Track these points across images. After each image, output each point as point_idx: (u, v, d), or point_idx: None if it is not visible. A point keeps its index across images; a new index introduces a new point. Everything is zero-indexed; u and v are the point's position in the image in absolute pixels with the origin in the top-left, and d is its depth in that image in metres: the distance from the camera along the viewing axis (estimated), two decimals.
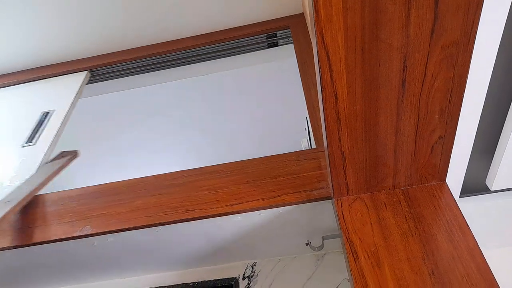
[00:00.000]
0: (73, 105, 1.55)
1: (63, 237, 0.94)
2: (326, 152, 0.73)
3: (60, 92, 1.64)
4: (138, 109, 2.02)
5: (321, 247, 0.94)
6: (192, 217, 0.91)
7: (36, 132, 1.42)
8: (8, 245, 0.97)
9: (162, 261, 1.04)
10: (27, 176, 1.19)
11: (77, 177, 2.12)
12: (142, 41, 1.72)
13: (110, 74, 1.77)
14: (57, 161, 1.29)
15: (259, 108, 2.07)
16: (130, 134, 2.12)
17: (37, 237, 0.96)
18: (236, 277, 1.01)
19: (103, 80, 1.78)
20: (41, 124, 1.45)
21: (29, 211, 1.03)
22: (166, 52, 1.70)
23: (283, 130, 2.06)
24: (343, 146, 0.69)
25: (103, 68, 1.74)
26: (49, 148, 1.34)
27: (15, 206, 0.98)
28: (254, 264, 1.03)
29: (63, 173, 2.17)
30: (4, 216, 0.94)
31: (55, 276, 1.06)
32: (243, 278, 1.01)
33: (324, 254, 1.01)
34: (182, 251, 1.00)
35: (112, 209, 0.97)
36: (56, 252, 0.98)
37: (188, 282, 1.03)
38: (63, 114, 1.48)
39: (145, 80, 1.81)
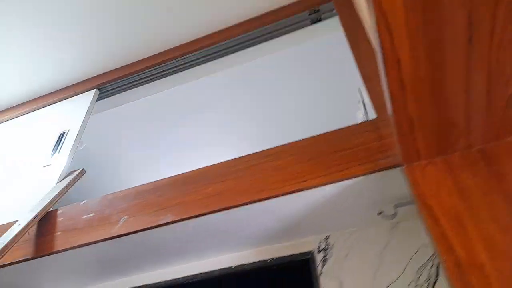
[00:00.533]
0: (84, 123, 1.70)
1: (149, 226, 1.03)
2: (392, 120, 0.72)
3: (73, 113, 1.79)
4: (181, 107, 2.09)
5: (394, 215, 0.94)
6: (262, 197, 0.95)
7: (54, 153, 1.58)
8: (103, 238, 1.09)
9: (238, 241, 1.10)
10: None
11: (141, 174, 2.28)
12: (166, 45, 1.76)
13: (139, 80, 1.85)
14: (66, 179, 1.40)
15: (307, 88, 2.05)
16: (179, 133, 2.22)
17: (127, 229, 1.05)
18: (311, 251, 1.05)
19: (130, 88, 1.87)
20: (58, 145, 1.60)
21: (118, 205, 1.13)
22: (197, 49, 1.72)
23: (335, 107, 2.03)
24: (410, 112, 0.68)
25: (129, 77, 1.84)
26: (64, 167, 1.49)
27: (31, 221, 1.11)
28: (328, 237, 1.05)
29: (131, 169, 2.33)
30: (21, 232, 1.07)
31: (147, 262, 1.17)
32: (319, 251, 1.04)
33: (398, 222, 1.00)
34: (256, 230, 1.06)
35: (187, 197, 1.04)
36: (144, 240, 1.08)
37: (265, 259, 1.08)
38: (75, 133, 1.63)
39: (183, 77, 1.84)
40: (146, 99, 1.88)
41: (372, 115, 1.04)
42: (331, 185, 0.90)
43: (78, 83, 1.99)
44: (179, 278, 1.16)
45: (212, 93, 2.02)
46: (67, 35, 1.74)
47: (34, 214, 1.16)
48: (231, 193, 0.98)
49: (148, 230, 1.04)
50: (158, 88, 1.86)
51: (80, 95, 1.91)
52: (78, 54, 1.84)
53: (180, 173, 1.12)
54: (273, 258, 1.08)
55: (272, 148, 1.02)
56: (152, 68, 1.80)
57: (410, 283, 0.94)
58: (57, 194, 1.27)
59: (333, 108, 2.06)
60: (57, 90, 2.05)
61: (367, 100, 1.15)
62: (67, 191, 1.33)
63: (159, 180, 1.14)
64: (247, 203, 0.96)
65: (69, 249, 1.10)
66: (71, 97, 1.95)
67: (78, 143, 1.63)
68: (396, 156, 0.85)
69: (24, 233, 1.12)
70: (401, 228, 0.99)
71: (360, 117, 1.33)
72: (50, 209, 1.24)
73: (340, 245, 1.03)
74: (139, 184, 1.17)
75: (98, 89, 1.91)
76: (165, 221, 1.03)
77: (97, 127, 2.15)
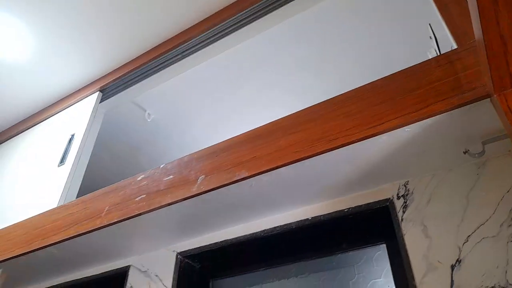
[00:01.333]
0: (90, 124, 1.87)
1: (225, 182, 1.07)
2: (479, 44, 0.65)
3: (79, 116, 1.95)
4: (242, 67, 2.07)
5: (482, 153, 0.87)
6: (335, 145, 0.93)
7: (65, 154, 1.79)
8: (183, 197, 1.15)
9: (314, 193, 1.10)
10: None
11: (212, 135, 2.35)
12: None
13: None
14: None
15: (368, 35, 1.93)
16: (243, 92, 2.22)
17: (205, 187, 1.10)
18: (390, 198, 1.02)
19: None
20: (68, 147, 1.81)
21: (194, 166, 1.19)
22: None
23: (400, 49, 1.89)
24: (502, 29, 0.60)
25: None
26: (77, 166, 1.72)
27: None
28: (407, 183, 1.01)
29: (201, 133, 2.41)
30: None
31: (226, 219, 1.23)
32: (398, 198, 1.01)
33: (486, 161, 0.93)
34: (331, 180, 1.05)
35: (260, 152, 1.05)
36: (222, 197, 1.13)
37: (342, 209, 1.07)
38: (81, 136, 1.81)
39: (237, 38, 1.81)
40: (207, 64, 1.89)
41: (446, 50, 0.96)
42: (409, 126, 0.85)
43: (80, 89, 2.13)
44: (257, 232, 1.20)
45: (272, 48, 1.98)
46: (64, 43, 1.87)
47: None
48: (303, 144, 0.98)
49: (225, 187, 1.08)
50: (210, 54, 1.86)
51: (85, 99, 2.07)
52: (78, 59, 1.97)
53: (251, 129, 1.13)
54: (349, 208, 1.07)
55: (341, 95, 0.99)
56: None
57: (502, 224, 0.88)
58: None
59: (397, 51, 1.93)
60: (61, 99, 2.20)
61: (440, 34, 1.06)
62: None
63: (231, 138, 1.16)
64: (320, 153, 0.95)
65: (154, 210, 1.19)
66: (75, 103, 2.11)
67: (85, 144, 1.83)
68: (484, 86, 0.78)
69: None
70: (490, 167, 0.92)
71: (433, 54, 1.23)
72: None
73: (421, 190, 0.98)
74: (212, 144, 1.21)
75: (101, 91, 2.05)
76: (240, 177, 1.06)
77: (162, 98, 2.25)
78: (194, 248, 1.31)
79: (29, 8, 1.73)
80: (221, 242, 1.26)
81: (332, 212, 1.10)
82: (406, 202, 0.98)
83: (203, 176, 1.14)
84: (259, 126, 1.13)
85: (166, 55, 1.86)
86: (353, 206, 1.07)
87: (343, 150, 0.93)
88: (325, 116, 0.99)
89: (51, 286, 1.61)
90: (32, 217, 1.54)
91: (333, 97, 1.02)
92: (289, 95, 2.21)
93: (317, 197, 1.12)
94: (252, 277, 1.30)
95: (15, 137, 2.29)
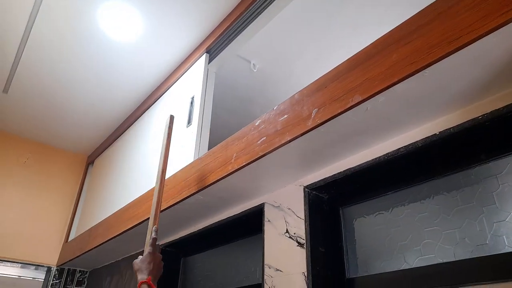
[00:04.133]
0: (204, 85, 2.04)
1: (339, 111, 1.06)
2: None
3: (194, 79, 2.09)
4: None
5: None
6: (458, 46, 0.83)
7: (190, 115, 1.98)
8: (302, 132, 1.18)
9: (440, 104, 1.01)
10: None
11: (318, 69, 2.31)
12: None
13: None
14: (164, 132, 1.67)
15: None
16: (344, 14, 2.09)
17: (320, 119, 1.12)
18: None
19: None
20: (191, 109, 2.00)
21: (306, 101, 1.21)
22: None
23: None
24: None
25: None
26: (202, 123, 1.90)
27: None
28: None
29: (307, 70, 2.37)
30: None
31: (345, 148, 1.23)
32: None
33: None
34: (458, 88, 0.94)
35: (371, 72, 1.01)
36: (338, 128, 1.13)
37: (475, 116, 0.97)
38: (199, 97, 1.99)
39: None
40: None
41: None
42: None
43: (190, 54, 2.26)
44: (380, 156, 1.17)
45: None
46: (167, 14, 1.98)
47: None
48: (420, 52, 0.90)
49: (340, 116, 1.08)
50: None
51: (196, 63, 2.18)
52: (182, 26, 2.08)
53: (357, 52, 1.08)
54: (485, 114, 0.95)
55: None
56: None
57: None
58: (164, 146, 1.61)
59: None
60: (177, 67, 2.37)
61: None
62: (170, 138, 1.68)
63: (338, 65, 1.14)
64: (440, 59, 0.86)
65: (276, 149, 1.26)
66: (189, 68, 2.23)
67: (205, 103, 1.99)
68: None
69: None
70: None
71: None
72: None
73: None
74: (319, 77, 1.20)
75: (207, 52, 2.14)
76: (354, 103, 1.04)
77: (263, 47, 2.28)
78: (319, 180, 1.36)
79: None
80: (344, 171, 1.28)
81: (464, 123, 0.99)
82: None
83: (316, 109, 1.15)
84: (366, 46, 1.07)
85: (258, 0, 1.85)
86: (490, 111, 0.95)
87: (468, 50, 0.83)
88: (442, 15, 0.87)
89: (202, 228, 1.90)
90: (177, 172, 1.80)
91: None
92: (397, 6, 1.99)
93: (443, 109, 1.03)
94: (381, 201, 1.30)
95: (147, 111, 2.65)
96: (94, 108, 2.78)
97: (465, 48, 0.82)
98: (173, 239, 2.10)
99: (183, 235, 2.03)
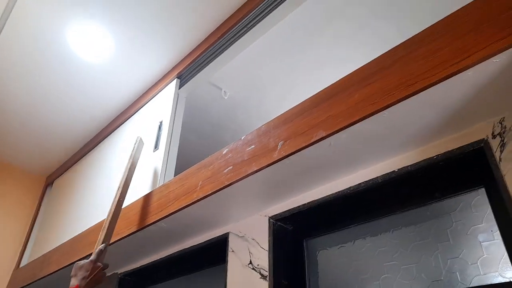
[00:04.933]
0: (174, 110, 2.04)
1: (304, 145, 1.09)
2: None
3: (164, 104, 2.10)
4: (306, 26, 2.02)
5: None
6: (414, 90, 0.88)
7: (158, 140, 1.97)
8: (267, 164, 1.20)
9: (397, 144, 1.06)
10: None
11: (286, 101, 2.37)
12: None
13: None
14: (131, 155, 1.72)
15: None
16: (311, 52, 2.17)
17: (285, 152, 1.14)
18: (484, 138, 0.94)
19: None
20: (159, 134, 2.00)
21: (272, 133, 1.23)
22: None
23: None
24: None
25: None
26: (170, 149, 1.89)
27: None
28: (503, 119, 0.92)
29: (276, 99, 2.42)
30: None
31: (310, 180, 1.25)
32: (493, 137, 0.92)
33: None
34: (415, 128, 1.00)
35: (334, 110, 1.04)
36: (303, 160, 1.15)
37: (430, 156, 1.02)
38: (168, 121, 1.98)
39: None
40: (273, 30, 1.88)
41: None
42: (502, 54, 0.76)
43: (160, 79, 2.28)
44: (343, 190, 1.20)
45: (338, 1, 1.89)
46: (139, 37, 2.00)
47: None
48: (379, 94, 0.94)
49: (304, 149, 1.10)
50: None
51: (166, 87, 2.21)
52: (153, 50, 2.10)
53: (321, 89, 1.12)
54: (439, 154, 1.01)
55: (416, 35, 0.92)
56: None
57: None
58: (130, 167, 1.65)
59: None
60: (146, 91, 2.38)
61: None
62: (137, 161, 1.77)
63: (303, 101, 1.17)
64: (398, 101, 0.91)
65: (242, 179, 1.26)
66: (158, 92, 2.25)
67: (173, 128, 2.00)
68: None
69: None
70: None
71: None
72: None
73: None
74: (285, 110, 1.23)
75: (178, 78, 2.17)
76: (317, 138, 1.07)
77: (235, 74, 2.32)
78: (284, 211, 1.37)
79: (105, 11, 1.90)
80: (308, 203, 1.29)
81: (420, 161, 1.05)
82: (503, 140, 0.89)
83: (282, 141, 1.18)
84: (330, 84, 1.11)
85: (233, 29, 1.90)
86: (443, 152, 1.00)
87: (424, 95, 0.88)
88: (400, 61, 0.93)
89: (164, 256, 1.84)
90: (141, 197, 1.76)
91: (407, 40, 0.95)
92: (363, 48, 2.10)
93: (401, 148, 1.08)
94: (344, 234, 1.32)
95: (113, 133, 2.59)
96: (57, 126, 2.68)
97: (420, 93, 0.88)
98: (133, 267, 2.02)
99: (144, 263, 1.95)
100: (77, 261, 1.23)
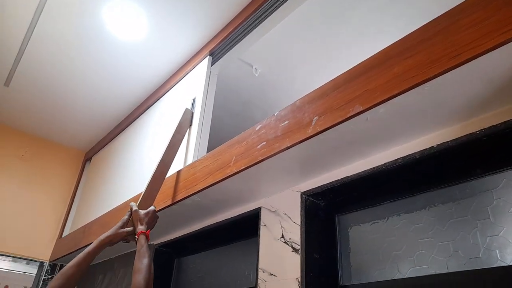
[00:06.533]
0: (206, 87, 2.07)
1: (340, 120, 1.07)
2: None
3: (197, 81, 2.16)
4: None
5: None
6: (459, 62, 0.84)
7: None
8: (301, 139, 1.19)
9: (439, 118, 1.03)
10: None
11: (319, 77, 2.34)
12: None
13: None
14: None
15: None
16: (347, 24, 2.11)
17: (320, 127, 1.13)
18: None
19: None
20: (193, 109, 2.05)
21: (307, 108, 1.22)
22: None
23: None
24: None
25: None
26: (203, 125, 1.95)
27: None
28: None
29: (308, 78, 2.40)
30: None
31: (345, 156, 1.24)
32: None
33: None
34: (457, 103, 0.96)
35: (373, 83, 1.02)
36: (339, 136, 1.14)
37: (473, 131, 0.98)
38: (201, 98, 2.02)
39: None
40: (305, 5, 1.84)
41: None
42: None
43: (193, 56, 2.28)
44: (378, 166, 1.19)
45: None
46: (172, 15, 2.00)
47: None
48: (421, 66, 0.91)
49: (340, 124, 1.09)
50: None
51: (198, 64, 2.21)
52: (187, 27, 2.11)
53: (359, 62, 1.10)
54: (482, 129, 0.97)
55: (462, 3, 0.88)
56: None
57: None
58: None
59: None
60: (180, 68, 2.38)
61: None
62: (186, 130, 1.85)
63: (339, 75, 1.15)
64: (440, 74, 0.88)
65: (275, 155, 1.27)
66: (191, 69, 2.26)
67: (205, 105, 2.03)
68: None
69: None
70: None
71: None
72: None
73: None
74: (321, 85, 1.22)
75: (210, 55, 2.16)
76: (354, 113, 1.05)
77: (265, 52, 2.30)
78: (317, 187, 1.37)
79: None
80: (342, 179, 1.29)
81: (461, 137, 1.01)
82: None
83: (316, 117, 1.17)
84: (367, 58, 1.09)
85: (263, 6, 1.87)
86: (487, 126, 0.96)
87: (469, 66, 0.84)
88: (444, 31, 0.89)
89: (197, 229, 1.90)
90: (176, 172, 1.81)
91: (452, 8, 0.91)
92: (401, 19, 2.01)
93: (442, 123, 1.04)
94: (377, 210, 1.31)
95: (147, 110, 2.66)
96: (95, 105, 2.78)
97: (465, 65, 0.84)
98: (168, 239, 2.10)
99: (178, 235, 2.03)
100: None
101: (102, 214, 2.39)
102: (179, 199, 1.67)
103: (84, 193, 3.17)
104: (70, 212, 3.14)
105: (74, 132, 3.15)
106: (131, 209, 1.32)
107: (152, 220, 1.30)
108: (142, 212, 1.30)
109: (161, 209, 1.76)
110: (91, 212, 2.74)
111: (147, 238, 1.21)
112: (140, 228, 1.23)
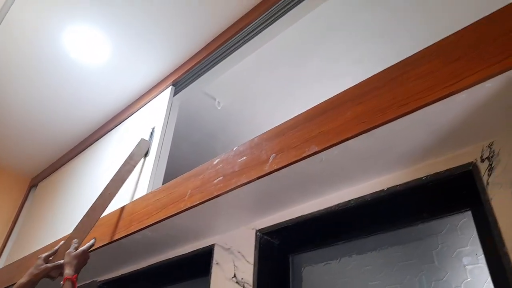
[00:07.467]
0: (167, 117, 2.05)
1: (296, 159, 1.08)
2: None
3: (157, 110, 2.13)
4: (302, 42, 2.05)
5: None
6: (407, 111, 0.89)
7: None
8: (258, 176, 1.19)
9: (387, 163, 1.07)
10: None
11: (279, 113, 2.38)
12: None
13: None
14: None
15: None
16: (306, 67, 2.20)
17: (277, 165, 1.13)
18: (473, 161, 0.95)
19: None
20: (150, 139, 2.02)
21: (264, 146, 1.23)
22: None
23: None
24: None
25: None
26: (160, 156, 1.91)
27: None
28: (491, 144, 0.93)
29: (268, 112, 2.44)
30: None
31: (299, 195, 1.25)
32: (482, 161, 0.93)
33: None
34: (406, 148, 1.01)
35: (327, 126, 1.05)
36: (293, 174, 1.15)
37: (419, 177, 1.03)
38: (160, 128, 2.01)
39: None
40: (270, 44, 1.90)
41: None
42: (493, 79, 0.78)
43: (155, 85, 2.28)
44: (332, 206, 1.20)
45: (336, 17, 1.93)
46: (136, 43, 2.01)
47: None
48: (372, 113, 0.95)
49: (296, 163, 1.10)
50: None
51: (160, 94, 2.21)
52: (151, 56, 2.11)
53: (315, 104, 1.13)
54: (428, 175, 1.02)
55: (410, 56, 0.94)
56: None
57: None
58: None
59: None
60: (140, 96, 2.38)
61: None
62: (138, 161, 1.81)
63: (297, 115, 1.18)
64: (390, 121, 0.92)
65: (231, 190, 1.25)
66: (152, 98, 2.26)
67: (165, 136, 2.01)
68: None
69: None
70: None
71: None
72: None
73: (509, 150, 0.90)
74: (279, 124, 1.24)
75: (173, 85, 2.18)
76: (310, 153, 1.07)
77: (229, 85, 2.33)
78: (272, 225, 1.35)
79: (105, 15, 1.91)
80: (296, 218, 1.29)
81: (409, 181, 1.05)
82: (491, 165, 0.91)
83: (274, 154, 1.17)
84: (323, 101, 1.12)
85: (230, 41, 1.92)
86: (432, 173, 1.01)
87: (416, 115, 0.89)
88: (394, 81, 0.95)
89: (147, 265, 1.80)
90: (127, 204, 1.73)
91: (401, 60, 0.97)
92: (357, 66, 2.13)
93: (391, 167, 1.09)
94: (330, 251, 1.31)
95: (104, 136, 2.56)
96: (48, 127, 2.65)
97: (412, 113, 0.89)
98: (113, 276, 1.97)
99: (125, 272, 1.91)
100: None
101: (43, 246, 2.21)
102: (129, 233, 1.59)
103: (26, 222, 2.93)
104: (7, 243, 2.88)
105: (21, 154, 2.95)
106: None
107: (83, 262, 1.24)
108: (71, 253, 1.21)
109: (108, 243, 1.66)
110: (32, 244, 2.52)
111: (74, 285, 1.11)
112: (67, 273, 1.15)
